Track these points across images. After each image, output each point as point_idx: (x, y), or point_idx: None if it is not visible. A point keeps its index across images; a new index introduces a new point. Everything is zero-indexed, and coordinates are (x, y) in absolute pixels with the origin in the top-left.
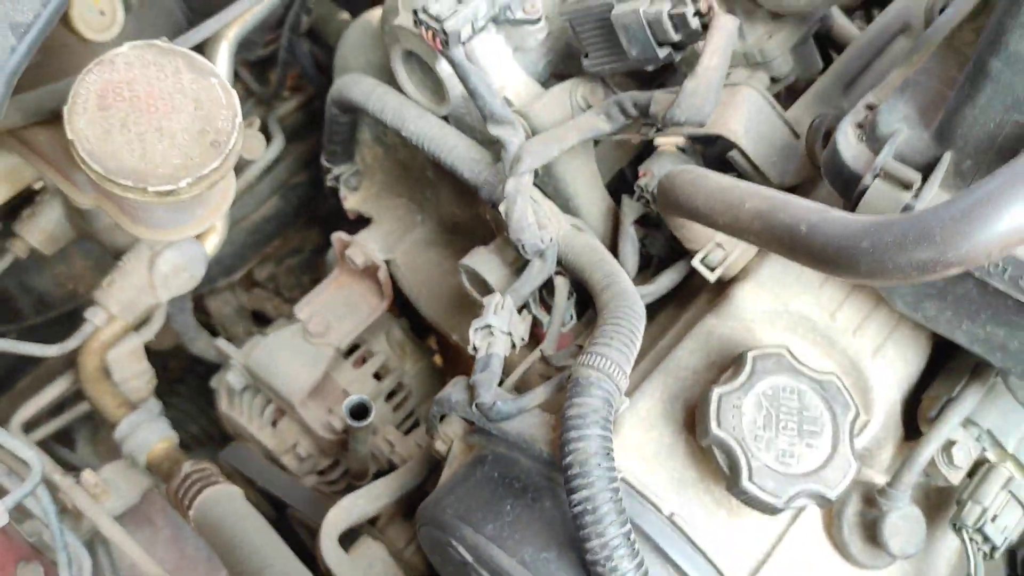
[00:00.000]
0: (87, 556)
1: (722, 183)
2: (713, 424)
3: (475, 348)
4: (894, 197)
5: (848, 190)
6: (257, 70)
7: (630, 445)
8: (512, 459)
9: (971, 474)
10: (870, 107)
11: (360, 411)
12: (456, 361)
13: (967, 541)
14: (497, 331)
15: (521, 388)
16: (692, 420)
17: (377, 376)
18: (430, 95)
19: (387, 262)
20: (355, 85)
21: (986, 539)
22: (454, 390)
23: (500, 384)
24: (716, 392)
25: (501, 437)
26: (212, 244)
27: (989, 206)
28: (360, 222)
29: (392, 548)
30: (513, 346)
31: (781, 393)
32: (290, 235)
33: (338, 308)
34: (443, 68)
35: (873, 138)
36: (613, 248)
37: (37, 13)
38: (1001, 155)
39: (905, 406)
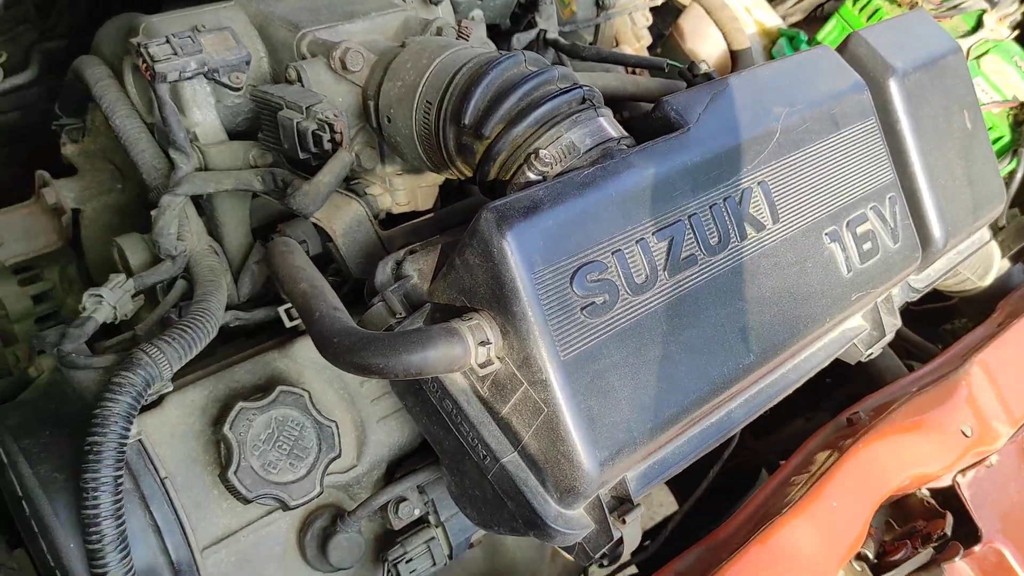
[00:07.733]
0: None
1: (296, 262)
2: (227, 426)
3: (83, 307)
4: (384, 318)
5: (369, 298)
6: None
7: (169, 421)
8: (70, 399)
9: (413, 524)
10: (411, 251)
11: None
12: None
13: (386, 572)
14: (105, 302)
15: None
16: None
17: (37, 299)
18: (146, 103)
19: (76, 211)
20: (90, 68)
21: (398, 573)
22: (50, 333)
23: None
24: (240, 404)
25: (71, 379)
26: None
27: (399, 346)
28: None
29: None
30: (115, 318)
31: (289, 422)
32: None
33: (18, 231)
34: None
35: (398, 274)
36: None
37: None
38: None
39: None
